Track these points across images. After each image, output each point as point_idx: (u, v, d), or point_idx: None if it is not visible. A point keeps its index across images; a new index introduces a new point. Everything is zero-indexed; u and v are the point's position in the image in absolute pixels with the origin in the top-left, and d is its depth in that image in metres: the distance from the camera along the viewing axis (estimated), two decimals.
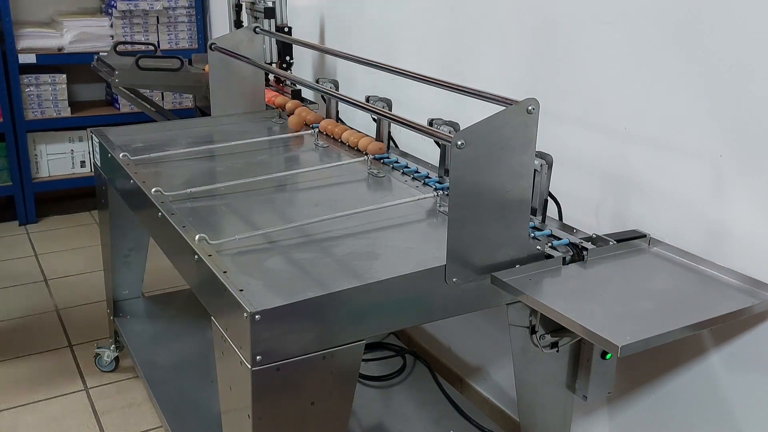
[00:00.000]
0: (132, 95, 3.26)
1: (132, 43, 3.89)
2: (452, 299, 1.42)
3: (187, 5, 4.22)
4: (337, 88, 2.36)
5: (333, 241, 1.55)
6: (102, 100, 4.40)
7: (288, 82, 2.87)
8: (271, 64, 2.86)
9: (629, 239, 1.58)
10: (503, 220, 1.40)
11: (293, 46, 2.82)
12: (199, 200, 1.78)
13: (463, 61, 2.20)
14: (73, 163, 4.10)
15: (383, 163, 2.04)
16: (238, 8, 3.15)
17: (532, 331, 1.52)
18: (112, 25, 4.01)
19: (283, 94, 2.71)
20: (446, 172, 1.89)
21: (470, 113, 2.12)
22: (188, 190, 1.78)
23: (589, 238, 1.57)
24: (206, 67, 2.85)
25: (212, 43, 2.42)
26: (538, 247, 1.50)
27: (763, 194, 1.41)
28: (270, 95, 2.68)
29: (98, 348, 2.62)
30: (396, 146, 2.22)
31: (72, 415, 2.36)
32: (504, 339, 1.53)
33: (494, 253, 1.42)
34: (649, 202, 1.64)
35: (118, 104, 4.15)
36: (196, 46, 4.34)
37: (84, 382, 2.56)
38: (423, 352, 2.54)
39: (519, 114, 1.34)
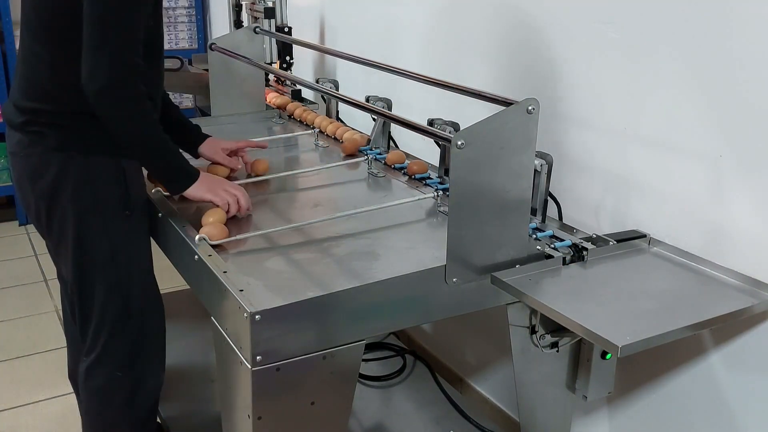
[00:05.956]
0: None
1: None
2: (452, 299, 1.42)
3: (187, 5, 4.23)
4: (337, 88, 2.36)
5: (333, 241, 1.55)
6: None
7: (288, 82, 2.87)
8: (271, 64, 2.86)
9: (629, 239, 1.58)
10: (503, 220, 1.40)
11: (293, 46, 2.82)
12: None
13: (463, 61, 2.20)
14: None
15: (384, 163, 2.04)
16: (238, 8, 3.15)
17: (532, 331, 1.52)
18: None
19: (282, 94, 2.71)
20: (446, 172, 1.89)
21: (470, 113, 2.12)
22: None
23: (589, 238, 1.57)
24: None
25: (212, 43, 2.42)
26: (538, 247, 1.50)
27: (762, 194, 1.41)
28: (270, 95, 2.68)
29: None
30: (396, 146, 2.22)
31: (72, 415, 2.35)
32: (504, 339, 1.53)
33: (494, 253, 1.42)
34: (649, 202, 1.64)
35: None
36: (196, 46, 4.34)
37: None
38: (423, 352, 2.54)
39: (519, 114, 1.34)
